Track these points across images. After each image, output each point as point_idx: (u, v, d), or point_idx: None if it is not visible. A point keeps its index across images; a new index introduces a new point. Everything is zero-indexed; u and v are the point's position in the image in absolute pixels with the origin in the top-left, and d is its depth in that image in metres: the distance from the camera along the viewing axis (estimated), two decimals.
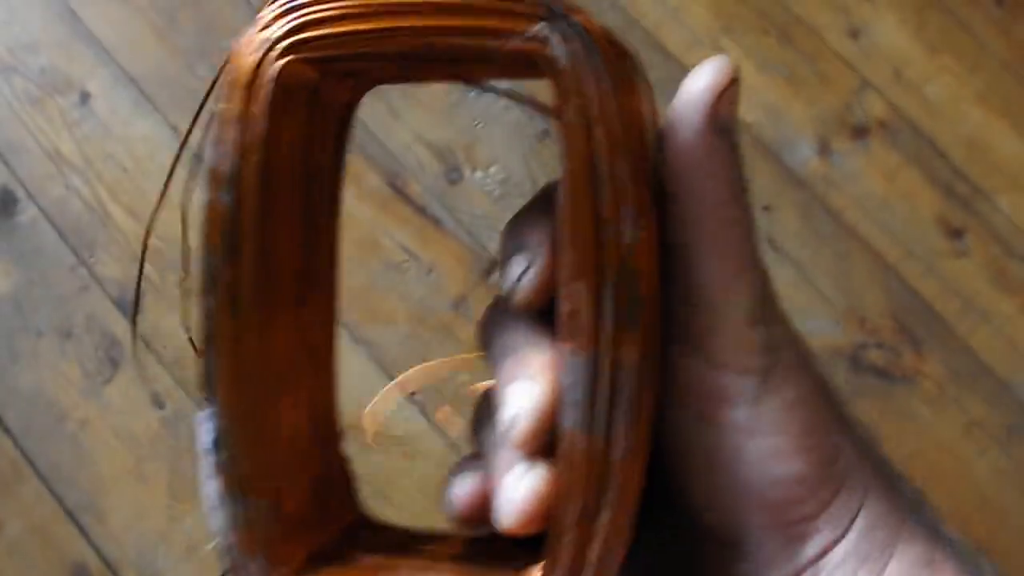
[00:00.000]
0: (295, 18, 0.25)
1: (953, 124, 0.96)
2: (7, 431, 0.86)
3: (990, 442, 0.89)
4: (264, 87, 0.25)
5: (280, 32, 0.25)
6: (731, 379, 0.25)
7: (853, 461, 0.26)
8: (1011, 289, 0.93)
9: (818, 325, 0.92)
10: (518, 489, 0.24)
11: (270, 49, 0.25)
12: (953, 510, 0.87)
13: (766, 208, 0.89)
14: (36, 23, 0.99)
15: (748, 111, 0.92)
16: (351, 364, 0.85)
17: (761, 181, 0.90)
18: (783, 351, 0.25)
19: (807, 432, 0.25)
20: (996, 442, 0.89)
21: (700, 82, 0.24)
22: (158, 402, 0.86)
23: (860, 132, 0.95)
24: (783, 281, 0.88)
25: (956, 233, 0.94)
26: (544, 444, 0.24)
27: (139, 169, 0.93)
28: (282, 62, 0.24)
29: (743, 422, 0.25)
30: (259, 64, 0.25)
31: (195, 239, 0.25)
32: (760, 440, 0.25)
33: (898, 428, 0.92)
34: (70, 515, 0.83)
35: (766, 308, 0.25)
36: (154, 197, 0.92)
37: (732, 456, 0.25)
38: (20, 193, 0.93)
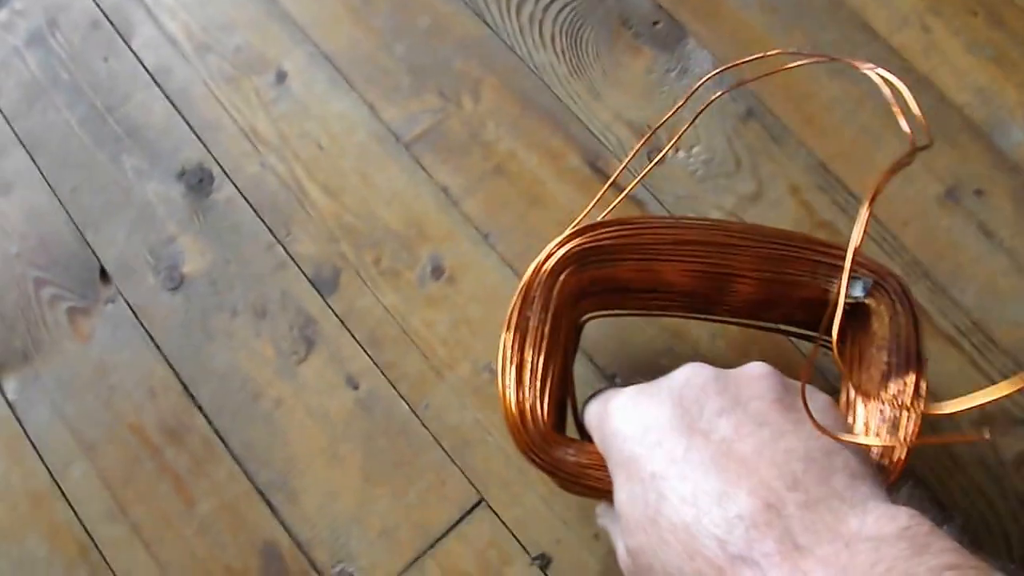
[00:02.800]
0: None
1: None
2: (201, 409, 0.85)
3: None
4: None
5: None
6: None
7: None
8: None
9: None
10: None
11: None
12: None
13: (978, 192, 0.86)
14: (231, 3, 0.99)
15: (958, 93, 0.88)
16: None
17: (972, 165, 0.86)
18: None
19: None
20: None
21: None
22: (352, 382, 0.85)
23: None
24: (995, 269, 0.84)
25: None
26: None
27: (335, 147, 0.92)
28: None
29: None
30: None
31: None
32: None
33: None
34: (262, 494, 0.82)
35: None
36: (351, 175, 0.91)
37: None
38: (216, 171, 0.92)
